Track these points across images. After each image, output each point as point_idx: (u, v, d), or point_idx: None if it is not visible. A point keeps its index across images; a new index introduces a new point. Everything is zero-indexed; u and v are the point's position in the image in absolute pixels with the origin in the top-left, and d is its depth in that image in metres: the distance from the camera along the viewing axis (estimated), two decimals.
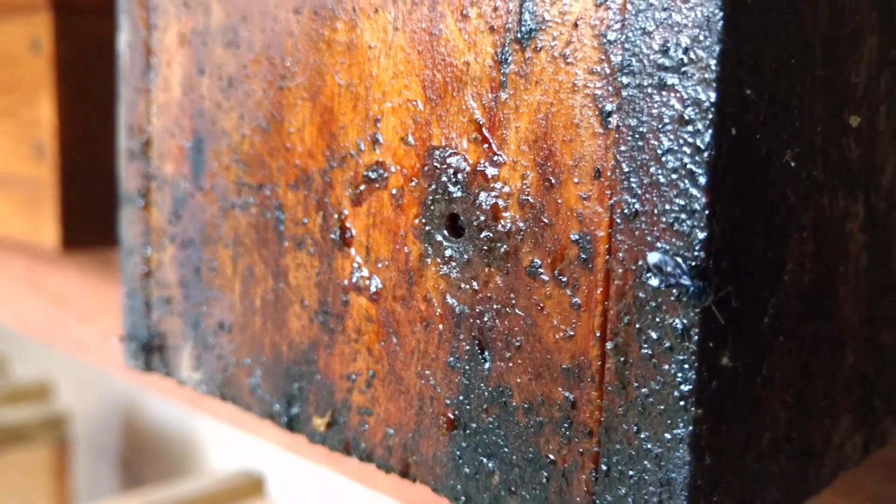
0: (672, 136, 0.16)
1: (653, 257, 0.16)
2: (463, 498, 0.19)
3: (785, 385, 0.18)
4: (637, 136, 0.16)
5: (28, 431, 1.27)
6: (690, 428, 0.16)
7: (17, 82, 0.64)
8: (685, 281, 0.15)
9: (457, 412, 0.19)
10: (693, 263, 0.15)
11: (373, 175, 0.21)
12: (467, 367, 0.19)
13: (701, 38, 0.15)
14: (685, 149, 0.15)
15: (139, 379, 0.66)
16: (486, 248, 0.19)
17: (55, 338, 0.74)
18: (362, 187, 0.21)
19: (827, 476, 0.21)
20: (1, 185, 0.68)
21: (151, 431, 1.39)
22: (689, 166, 0.15)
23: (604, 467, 0.17)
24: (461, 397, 0.19)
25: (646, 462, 0.16)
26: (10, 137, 0.66)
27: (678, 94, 0.15)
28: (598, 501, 0.17)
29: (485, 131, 0.18)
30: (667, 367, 0.16)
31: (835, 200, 0.19)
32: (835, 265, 0.20)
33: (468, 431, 0.19)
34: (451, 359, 0.19)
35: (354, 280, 0.21)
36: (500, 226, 0.18)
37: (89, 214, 0.62)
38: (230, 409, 0.53)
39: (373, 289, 0.21)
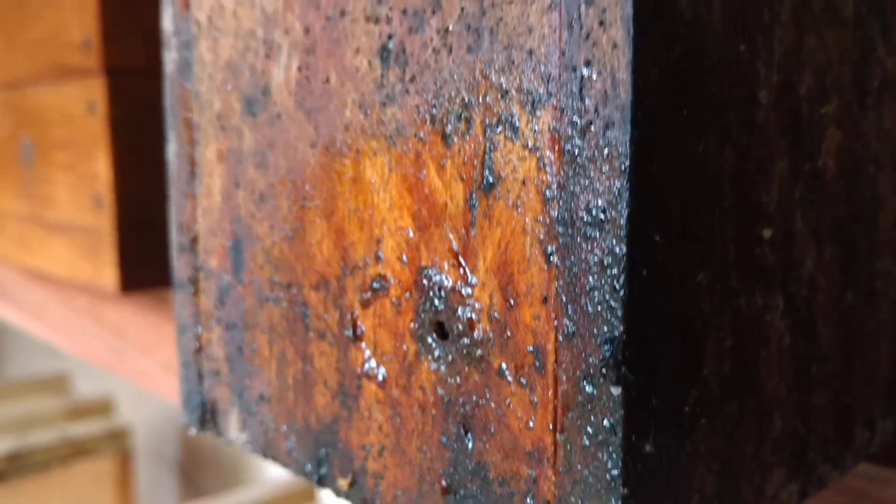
0: (596, 277, 0.20)
1: (587, 374, 0.20)
2: None
3: (710, 456, 0.23)
4: (571, 274, 0.20)
5: (92, 445, 1.35)
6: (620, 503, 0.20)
7: (76, 140, 0.70)
8: (610, 390, 0.20)
9: (448, 481, 0.24)
10: (615, 377, 0.20)
11: (376, 285, 0.25)
12: (455, 446, 0.24)
13: (614, 202, 0.19)
14: (606, 287, 0.20)
15: None
16: (465, 351, 0.23)
17: (117, 367, 0.80)
18: (369, 294, 0.26)
19: None
20: (65, 232, 0.74)
21: (208, 440, 1.46)
22: (609, 301, 0.20)
23: None
24: (451, 469, 0.24)
25: None
26: (71, 189, 0.72)
27: (599, 245, 0.20)
28: None
29: (460, 258, 0.23)
30: (601, 455, 0.20)
31: (752, 300, 0.24)
32: (755, 351, 0.24)
33: (458, 497, 0.24)
34: (443, 438, 0.24)
35: (366, 369, 0.26)
36: (475, 334, 0.23)
37: (145, 259, 0.68)
38: None
39: (380, 377, 0.26)
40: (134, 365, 0.79)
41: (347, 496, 0.27)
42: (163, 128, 0.62)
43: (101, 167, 0.68)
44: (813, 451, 0.27)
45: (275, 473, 1.28)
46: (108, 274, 0.69)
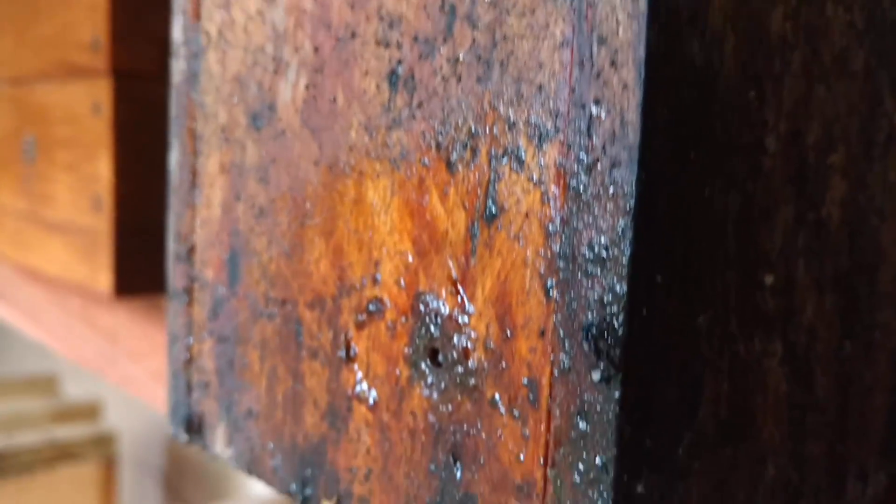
0: (595, 314, 0.20)
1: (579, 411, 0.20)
2: None
3: (702, 501, 0.22)
4: (570, 309, 0.20)
5: (77, 449, 1.34)
6: None
7: (79, 140, 0.70)
8: (604, 427, 0.20)
9: None
10: (609, 415, 0.20)
11: (372, 308, 0.25)
12: (443, 474, 0.23)
13: (617, 241, 0.19)
14: (605, 325, 0.20)
15: None
16: (458, 380, 0.23)
17: (107, 372, 0.80)
18: (364, 316, 0.25)
19: None
20: (62, 232, 0.74)
21: (194, 451, 1.45)
22: (607, 339, 0.20)
23: None
24: (438, 498, 0.24)
25: None
26: (70, 189, 0.72)
27: (599, 282, 0.20)
28: None
29: (458, 286, 0.23)
30: (591, 493, 0.20)
31: (750, 345, 0.23)
32: (752, 397, 0.24)
33: None
34: (432, 466, 0.24)
35: (357, 391, 0.26)
36: (469, 363, 0.23)
37: (141, 263, 0.67)
38: None
39: (371, 400, 0.25)
40: (124, 371, 0.78)
41: None
42: (167, 133, 0.62)
43: (103, 169, 0.68)
44: (805, 500, 0.27)
45: (259, 489, 1.27)
46: (102, 277, 0.69)
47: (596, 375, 0.20)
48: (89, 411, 1.42)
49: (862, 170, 0.27)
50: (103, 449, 1.34)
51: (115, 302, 0.79)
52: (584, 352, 0.20)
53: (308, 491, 0.28)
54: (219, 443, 0.32)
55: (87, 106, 0.70)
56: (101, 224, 0.69)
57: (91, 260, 0.71)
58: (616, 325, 0.19)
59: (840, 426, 0.28)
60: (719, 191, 0.21)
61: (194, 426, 0.33)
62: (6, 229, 0.84)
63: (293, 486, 0.28)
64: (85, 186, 0.71)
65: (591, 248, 0.20)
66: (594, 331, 0.20)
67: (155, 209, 0.67)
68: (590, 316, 0.20)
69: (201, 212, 0.32)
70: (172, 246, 0.34)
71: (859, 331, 0.28)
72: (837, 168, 0.26)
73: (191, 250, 0.33)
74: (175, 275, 0.33)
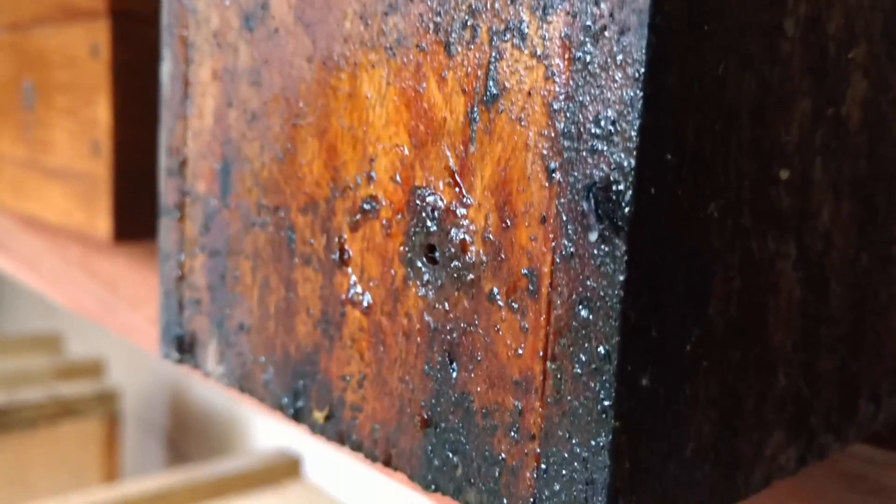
0: (601, 193, 0.19)
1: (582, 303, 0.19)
2: (433, 486, 0.23)
3: (709, 403, 0.21)
4: (574, 191, 0.19)
5: (81, 406, 1.34)
6: (610, 437, 0.19)
7: (78, 83, 0.69)
8: (608, 314, 0.18)
9: (429, 413, 0.23)
10: (614, 300, 0.18)
11: (367, 206, 0.24)
12: (439, 375, 0.22)
13: (625, 113, 0.18)
14: (610, 205, 0.18)
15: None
16: (455, 275, 0.22)
17: (106, 320, 0.79)
18: (358, 216, 0.24)
19: (758, 483, 0.24)
20: (60, 178, 0.73)
21: (196, 410, 1.45)
22: (614, 220, 0.18)
23: (543, 466, 0.20)
24: (433, 400, 0.23)
25: (575, 463, 0.19)
26: (69, 134, 0.71)
27: (606, 159, 0.18)
28: (538, 495, 0.20)
29: (457, 177, 0.22)
30: (593, 384, 0.19)
31: (764, 243, 0.22)
32: (764, 299, 0.23)
33: (438, 430, 0.23)
34: (426, 367, 0.23)
35: (350, 295, 0.25)
36: (467, 257, 0.22)
37: (140, 209, 0.66)
38: None
39: (365, 303, 0.24)
40: (123, 319, 0.78)
41: (323, 431, 0.26)
42: None
43: (101, 113, 0.66)
44: (815, 417, 0.26)
45: (261, 445, 1.27)
46: (101, 222, 0.68)
47: (601, 260, 0.19)
48: (93, 368, 1.42)
49: (884, 70, 0.25)
50: (106, 406, 1.34)
51: (115, 249, 0.78)
52: (584, 211, 0.19)
53: (300, 403, 0.27)
54: (210, 360, 0.31)
55: (86, 49, 0.68)
56: (100, 169, 0.68)
57: (90, 205, 0.70)
58: (623, 203, 0.18)
59: (853, 343, 0.27)
60: (734, 71, 0.20)
61: (185, 345, 0.32)
62: (6, 178, 0.83)
63: (285, 400, 0.27)
64: (84, 131, 0.70)
65: (597, 122, 0.19)
66: (597, 192, 0.19)
67: (155, 153, 0.66)
68: (595, 193, 0.19)
69: (193, 123, 0.31)
70: (164, 161, 0.32)
71: (876, 243, 0.27)
72: (859, 65, 0.24)
73: (182, 163, 0.31)
74: (167, 190, 0.32)
